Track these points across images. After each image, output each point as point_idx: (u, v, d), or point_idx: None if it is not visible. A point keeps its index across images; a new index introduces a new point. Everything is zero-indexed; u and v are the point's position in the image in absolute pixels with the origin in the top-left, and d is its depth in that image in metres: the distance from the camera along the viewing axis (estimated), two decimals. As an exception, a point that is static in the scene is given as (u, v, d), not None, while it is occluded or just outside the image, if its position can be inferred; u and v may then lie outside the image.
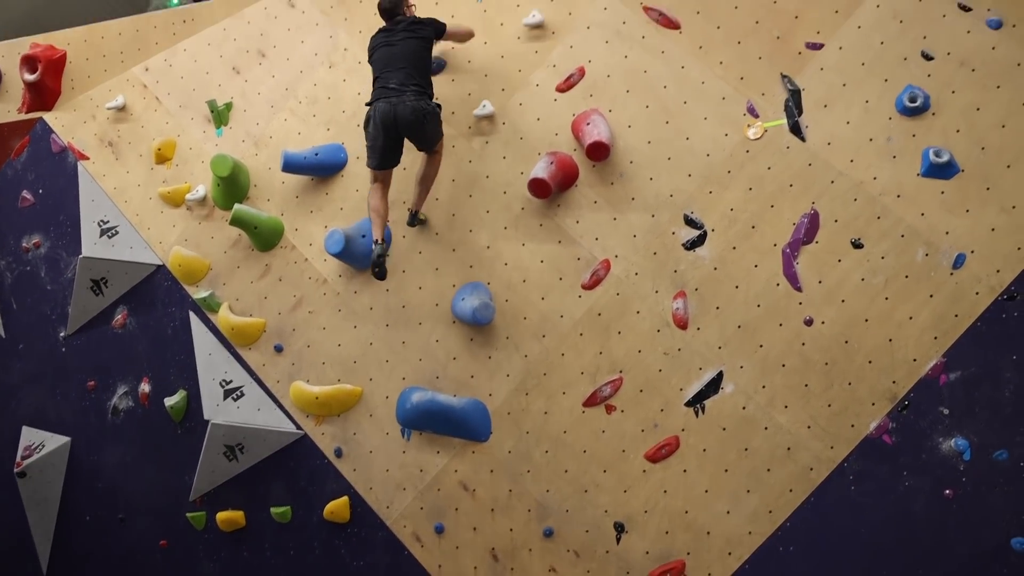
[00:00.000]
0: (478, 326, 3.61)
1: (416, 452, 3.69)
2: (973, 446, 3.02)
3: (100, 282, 4.34)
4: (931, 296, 3.13)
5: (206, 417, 3.98)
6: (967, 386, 3.06)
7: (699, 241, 3.42)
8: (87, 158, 4.45)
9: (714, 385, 3.33)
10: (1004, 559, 2.92)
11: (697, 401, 3.34)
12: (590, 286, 3.53)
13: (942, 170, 3.16)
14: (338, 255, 3.74)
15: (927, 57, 3.22)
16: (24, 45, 4.58)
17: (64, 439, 4.37)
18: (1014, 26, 3.11)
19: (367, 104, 3.50)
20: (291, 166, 3.93)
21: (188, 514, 4.05)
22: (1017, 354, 3.00)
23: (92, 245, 4.37)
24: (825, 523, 3.14)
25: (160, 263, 4.27)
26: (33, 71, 4.48)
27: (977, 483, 3.00)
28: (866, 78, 3.28)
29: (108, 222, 4.40)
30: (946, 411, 3.07)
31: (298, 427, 3.90)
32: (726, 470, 3.26)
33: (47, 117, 4.53)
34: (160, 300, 4.27)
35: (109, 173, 4.41)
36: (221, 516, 3.98)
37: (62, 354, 4.40)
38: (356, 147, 3.95)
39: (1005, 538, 2.93)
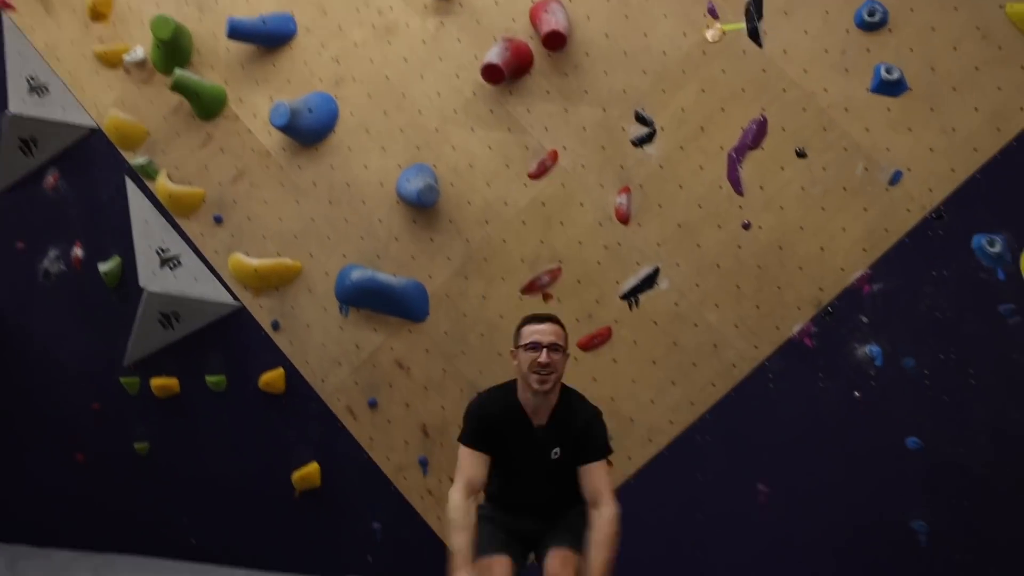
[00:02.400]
0: (422, 208, 3.60)
1: (353, 329, 3.73)
2: (885, 353, 3.19)
3: (29, 142, 4.16)
4: (865, 210, 3.22)
5: (141, 284, 3.93)
6: (887, 298, 3.20)
7: (648, 139, 3.43)
8: (12, 8, 4.19)
9: (650, 281, 3.41)
10: (899, 456, 3.14)
11: (632, 295, 3.43)
12: (536, 175, 3.53)
13: (891, 87, 3.21)
14: (283, 128, 3.65)
15: (890, -29, 3.21)
16: None
17: (-9, 300, 4.28)
18: (977, -54, 3.11)
19: None
20: (237, 33, 3.76)
21: (121, 379, 4.05)
22: (936, 271, 3.14)
23: (20, 102, 4.17)
24: (742, 417, 3.31)
25: (95, 126, 4.10)
26: (-44, -95, 4.15)
27: (884, 387, 3.18)
28: (828, -13, 3.27)
29: (37, 79, 4.19)
30: (865, 319, 3.22)
31: (236, 299, 3.88)
32: (654, 362, 3.39)
33: (-29, -41, 4.23)
34: (95, 164, 4.13)
35: (38, 27, 4.17)
36: (155, 382, 3.99)
37: (-10, 214, 4.26)
38: (306, 18, 3.80)
39: (901, 438, 3.15)
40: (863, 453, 3.18)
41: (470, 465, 2.56)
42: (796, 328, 3.28)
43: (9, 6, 4.19)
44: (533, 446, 2.60)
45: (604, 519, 2.50)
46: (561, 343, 2.58)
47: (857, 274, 3.23)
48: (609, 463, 2.66)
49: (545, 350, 2.52)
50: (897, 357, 3.17)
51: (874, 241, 3.22)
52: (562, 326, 2.63)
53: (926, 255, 3.17)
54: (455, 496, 2.52)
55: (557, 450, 2.59)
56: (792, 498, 3.23)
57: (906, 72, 3.19)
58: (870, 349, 3.21)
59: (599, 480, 2.56)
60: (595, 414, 2.65)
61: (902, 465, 3.13)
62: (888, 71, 3.19)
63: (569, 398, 2.66)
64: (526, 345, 2.55)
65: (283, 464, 3.82)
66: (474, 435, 2.59)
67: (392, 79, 3.68)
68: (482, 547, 2.53)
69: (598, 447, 2.61)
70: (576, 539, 2.55)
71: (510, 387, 2.66)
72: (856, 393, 3.21)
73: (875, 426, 3.17)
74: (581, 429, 2.59)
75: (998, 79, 3.09)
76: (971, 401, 3.08)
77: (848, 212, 3.24)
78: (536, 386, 2.53)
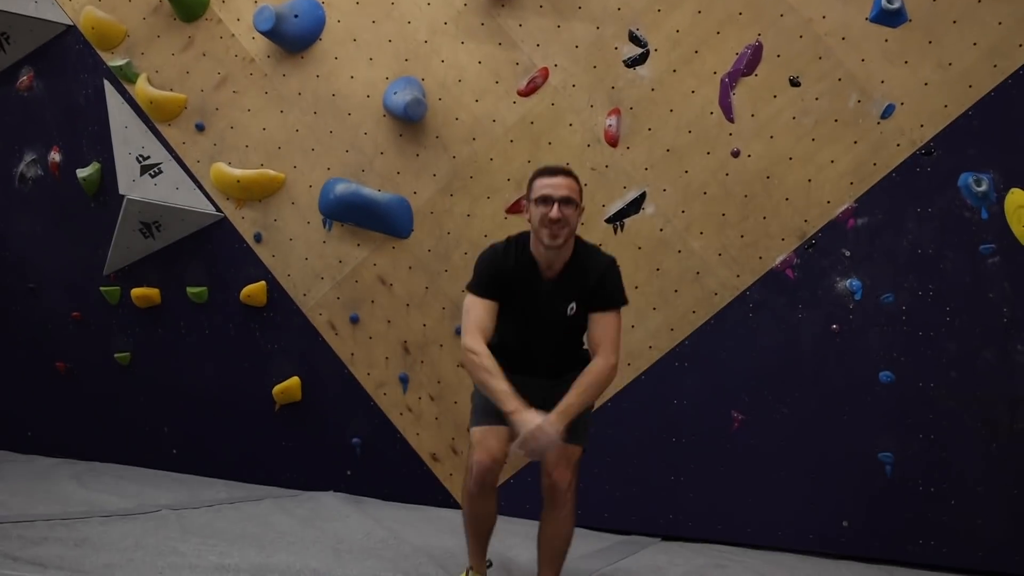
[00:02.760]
0: (409, 122, 3.53)
1: (336, 243, 3.70)
2: (865, 287, 3.22)
3: (1, 37, 4.01)
4: (855, 142, 3.20)
5: (121, 192, 3.86)
6: (871, 232, 3.21)
7: (640, 59, 3.36)
8: None
9: (636, 205, 3.40)
10: (871, 389, 3.20)
11: (617, 219, 3.41)
12: (526, 93, 3.46)
13: (891, 17, 3.14)
14: (268, 33, 3.54)
15: None
16: None
17: (-30, 197, 4.19)
18: None
19: None
20: (221, -71, 3.62)
21: (102, 288, 4.01)
22: (921, 207, 3.15)
23: (-11, -7, 4.01)
24: (720, 345, 3.35)
25: (70, 23, 3.95)
26: None
27: (862, 321, 3.22)
28: (834, -91, 3.16)
29: (7, -30, 4.01)
30: (848, 253, 3.23)
31: (218, 209, 3.83)
32: (636, 287, 3.39)
33: None
34: (71, 64, 3.99)
35: (9, -87, 3.97)
36: (136, 292, 3.96)
37: (-39, 113, 4.13)
38: (294, -83, 3.65)
39: (875, 371, 3.20)
40: (837, 385, 3.24)
41: (480, 313, 2.44)
42: (779, 259, 3.29)
43: None
44: (544, 299, 2.47)
45: (596, 367, 2.40)
46: (574, 197, 2.43)
47: (843, 207, 3.22)
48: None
49: (556, 204, 2.37)
50: (876, 291, 3.20)
51: (862, 175, 3.21)
52: (576, 179, 2.49)
53: (912, 191, 3.17)
54: (475, 345, 2.40)
55: (573, 305, 2.47)
56: (765, 426, 3.30)
57: (907, 1, 3.12)
58: (850, 283, 3.23)
59: (605, 330, 2.45)
60: (609, 263, 2.52)
61: (873, 398, 3.20)
62: (889, 0, 3.12)
63: (584, 251, 2.52)
64: (537, 199, 2.42)
65: (264, 377, 3.84)
66: (484, 285, 2.47)
67: (381, -13, 3.57)
68: (477, 416, 2.46)
69: (609, 295, 2.47)
70: (578, 431, 2.40)
71: (523, 240, 2.53)
72: (834, 326, 3.24)
73: (850, 359, 3.23)
74: (595, 280, 2.46)
75: (999, 13, 3.04)
76: (945, 337, 3.13)
77: (838, 144, 3.22)
78: (547, 241, 2.39)
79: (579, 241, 2.54)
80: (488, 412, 2.44)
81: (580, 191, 2.49)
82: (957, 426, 3.12)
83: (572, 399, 2.35)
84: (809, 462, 3.26)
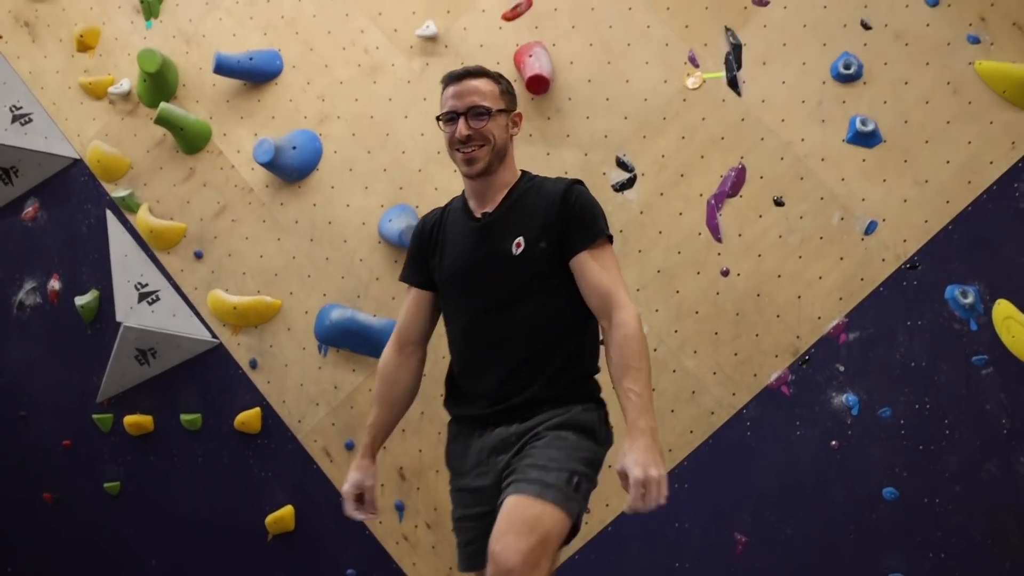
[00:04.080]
0: (403, 248, 3.60)
1: (332, 369, 3.71)
2: (862, 402, 3.21)
3: (10, 171, 4.14)
4: (841, 259, 3.27)
5: (119, 319, 3.89)
6: (863, 346, 3.23)
7: (628, 184, 3.47)
8: (0, 37, 4.18)
9: (629, 326, 3.43)
10: (875, 506, 3.15)
11: (611, 340, 3.44)
12: (518, 219, 3.55)
13: (866, 138, 3.27)
14: (267, 165, 3.66)
15: (865, 26, 3.28)
16: (-66, -95, 4.23)
17: (-33, 328, 4.22)
18: (949, 5, 3.20)
19: None
20: (224, 69, 3.78)
21: (94, 415, 3.98)
22: (911, 320, 3.18)
23: (3, 131, 4.14)
24: (719, 465, 3.31)
25: (77, 157, 4.09)
26: (-57, -64, 4.15)
27: (861, 437, 3.20)
28: (806, 40, 3.34)
29: (21, 108, 4.17)
30: (842, 368, 3.24)
31: (214, 336, 3.86)
32: (632, 408, 3.39)
33: (-44, -11, 4.23)
34: (75, 195, 4.10)
35: (24, 55, 4.17)
36: (129, 419, 3.93)
37: (-33, 244, 4.21)
38: (292, 55, 3.83)
39: (878, 488, 3.16)
40: (840, 502, 3.19)
41: (405, 310, 1.98)
42: (774, 376, 3.30)
43: (-5, 35, 4.20)
44: (476, 242, 1.87)
45: (622, 326, 1.73)
46: (487, 104, 1.88)
47: (833, 322, 3.26)
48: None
49: (462, 118, 1.86)
50: (873, 406, 3.19)
51: (850, 290, 3.25)
52: (493, 78, 1.95)
53: (901, 305, 3.21)
54: (382, 358, 1.94)
55: (519, 239, 1.84)
56: (770, 547, 3.22)
57: (880, 124, 3.25)
58: (847, 398, 3.23)
59: (602, 274, 1.79)
60: (571, 182, 1.97)
61: (879, 515, 3.14)
62: (863, 122, 3.25)
63: (534, 178, 2.02)
64: (442, 116, 1.92)
65: (257, 506, 3.76)
66: (407, 262, 2.01)
67: (376, 118, 3.71)
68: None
69: (584, 219, 1.84)
70: (546, 479, 1.60)
71: (464, 194, 2.03)
72: (833, 442, 3.22)
73: (852, 475, 3.18)
74: (553, 204, 1.85)
75: (968, 133, 3.16)
76: (946, 451, 3.10)
77: (825, 261, 3.28)
78: (464, 168, 1.88)
79: (527, 173, 2.06)
80: (464, 554, 1.88)
81: (505, 92, 1.96)
82: (966, 542, 3.05)
83: (633, 386, 1.60)
84: (818, 585, 3.17)
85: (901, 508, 3.12)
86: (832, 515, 3.19)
